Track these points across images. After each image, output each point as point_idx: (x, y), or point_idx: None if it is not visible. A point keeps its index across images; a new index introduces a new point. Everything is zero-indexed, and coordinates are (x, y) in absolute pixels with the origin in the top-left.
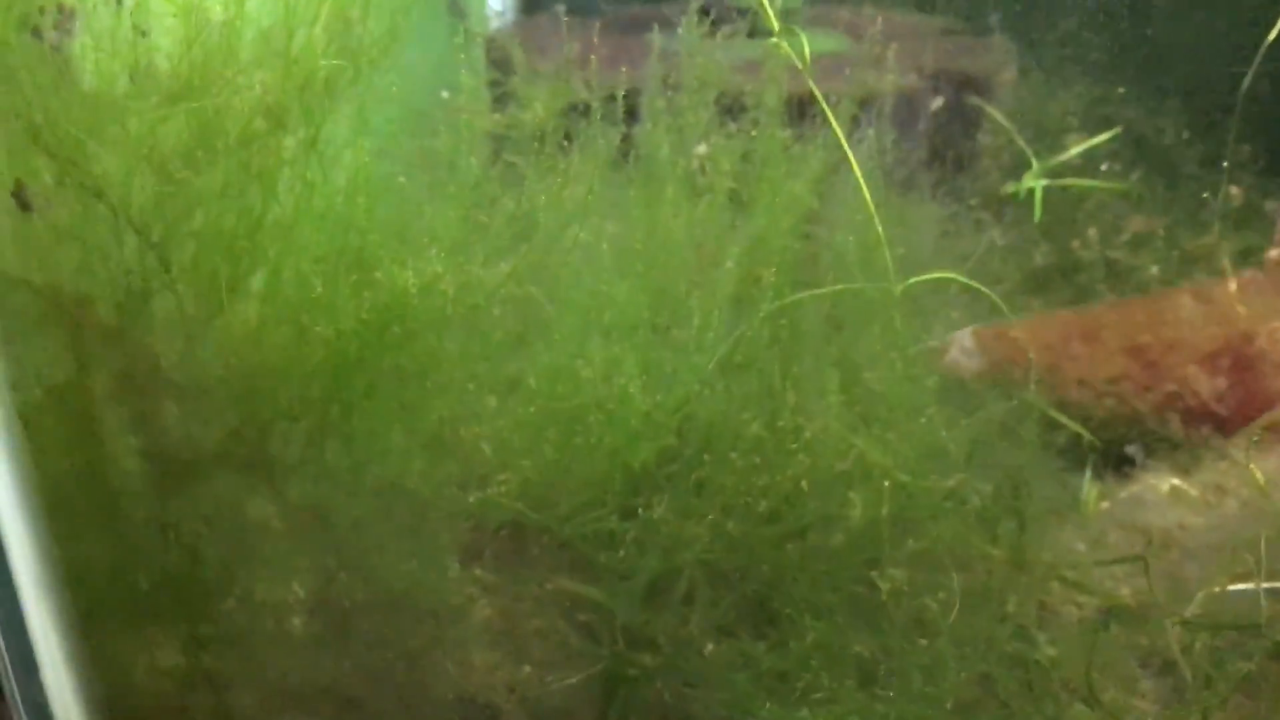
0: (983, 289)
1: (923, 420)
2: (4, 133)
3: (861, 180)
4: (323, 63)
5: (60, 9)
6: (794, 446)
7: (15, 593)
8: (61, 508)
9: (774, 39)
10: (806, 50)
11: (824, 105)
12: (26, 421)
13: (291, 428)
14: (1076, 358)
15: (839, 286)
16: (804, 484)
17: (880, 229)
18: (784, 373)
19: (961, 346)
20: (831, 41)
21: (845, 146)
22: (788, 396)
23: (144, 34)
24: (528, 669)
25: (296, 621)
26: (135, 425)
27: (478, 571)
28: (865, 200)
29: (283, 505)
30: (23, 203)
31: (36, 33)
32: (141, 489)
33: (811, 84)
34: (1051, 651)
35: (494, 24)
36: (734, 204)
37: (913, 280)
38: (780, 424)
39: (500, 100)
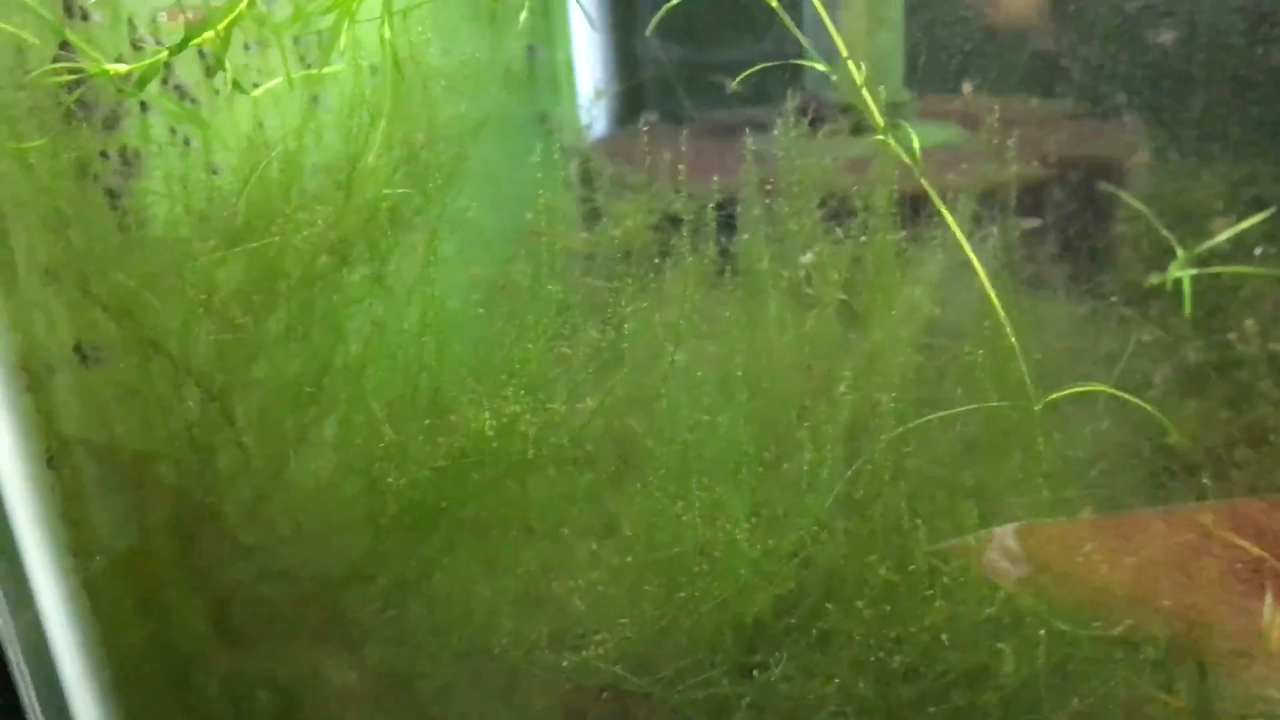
0: (1134, 399)
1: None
2: (58, 285)
3: (987, 283)
4: (386, 192)
5: (122, 152)
6: (930, 592)
7: None
8: (132, 680)
9: (879, 135)
10: (916, 144)
11: (939, 202)
12: (91, 590)
13: (367, 587)
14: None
15: (971, 406)
16: (944, 635)
17: (1013, 337)
18: (913, 508)
19: (1002, 547)
20: (944, 133)
21: (966, 246)
22: (919, 534)
23: (214, 173)
24: None
25: None
26: (202, 589)
27: None
28: (994, 305)
29: (360, 671)
30: (82, 357)
31: (95, 177)
32: (211, 657)
33: (924, 180)
34: None
35: (583, 136)
36: (845, 316)
37: (1055, 395)
38: (912, 567)
39: (590, 217)
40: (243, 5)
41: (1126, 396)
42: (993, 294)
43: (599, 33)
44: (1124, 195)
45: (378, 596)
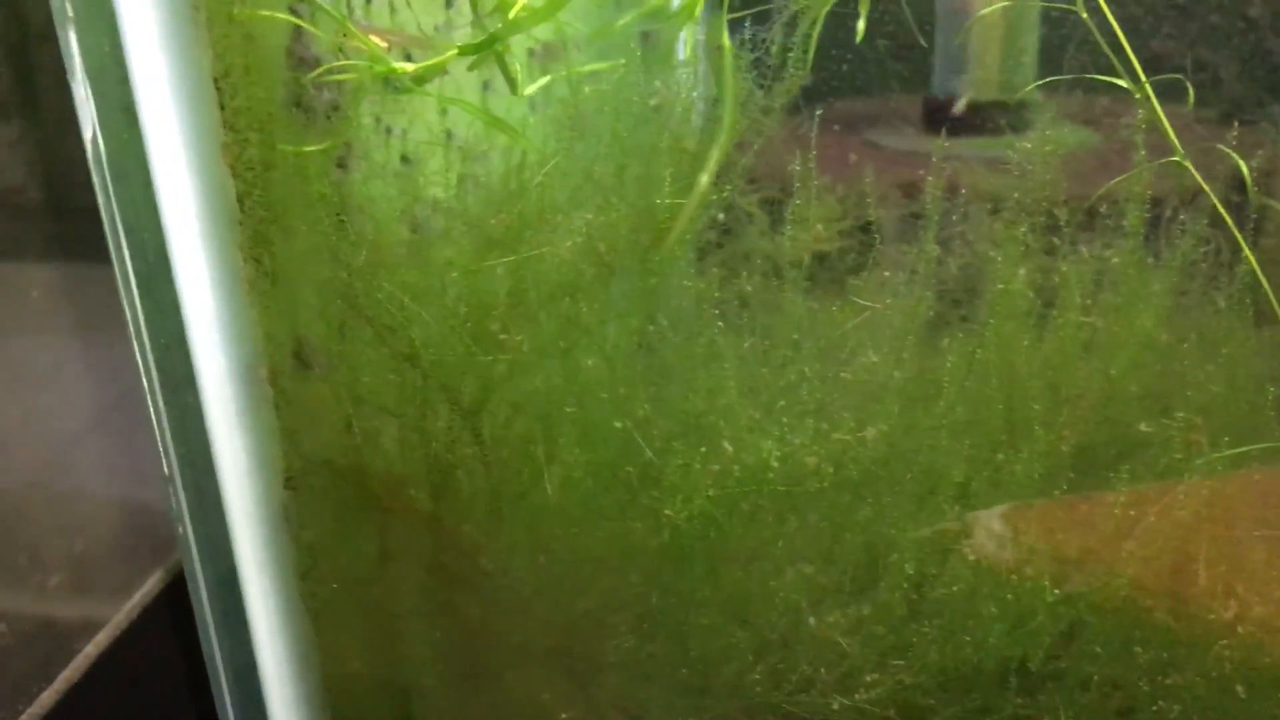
0: None
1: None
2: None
3: (1270, 293)
4: (657, 201)
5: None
6: (1219, 641)
7: None
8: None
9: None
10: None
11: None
12: (317, 617)
13: (614, 619)
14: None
15: (1256, 445)
16: (1239, 686)
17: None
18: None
19: (988, 530)
20: (1077, 135)
21: (1248, 252)
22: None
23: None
24: None
25: None
26: (440, 620)
27: None
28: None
29: (599, 712)
30: (321, 367)
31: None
32: (445, 694)
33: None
34: None
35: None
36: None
37: None
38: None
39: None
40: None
41: None
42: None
43: None
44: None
45: (625, 630)
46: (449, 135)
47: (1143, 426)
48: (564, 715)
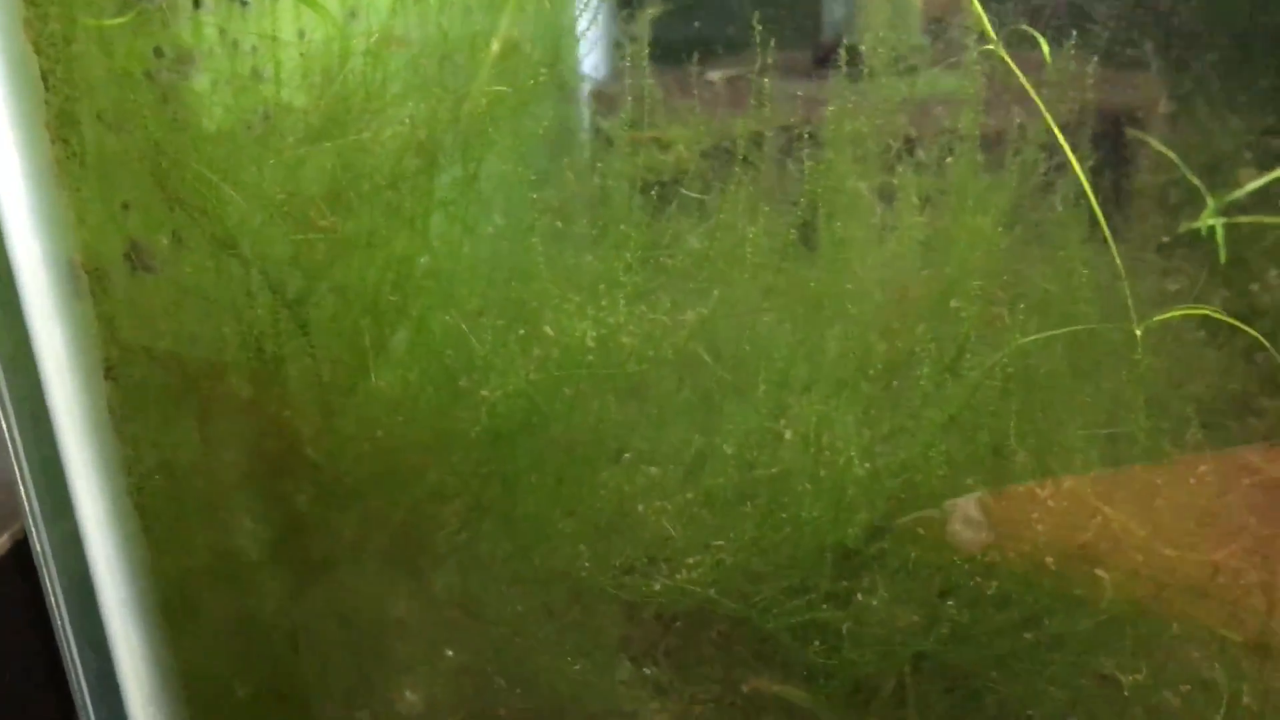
0: (1239, 324)
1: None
2: (128, 179)
3: (1095, 203)
4: (482, 90)
5: (179, 51)
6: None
7: (122, 700)
8: (177, 605)
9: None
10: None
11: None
12: (141, 507)
13: (441, 509)
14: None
15: (1074, 327)
16: (1049, 560)
17: (1118, 258)
18: (1016, 429)
19: (965, 517)
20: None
21: (1077, 168)
22: (1018, 456)
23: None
24: None
25: None
26: (265, 511)
27: (651, 669)
28: (1103, 228)
29: (430, 600)
30: (144, 259)
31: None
32: (271, 584)
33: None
34: None
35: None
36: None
37: (1160, 317)
38: (1011, 489)
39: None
40: None
41: (1234, 322)
42: (1100, 214)
43: None
44: (1152, 143)
45: (450, 519)
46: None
47: (952, 303)
48: (399, 606)
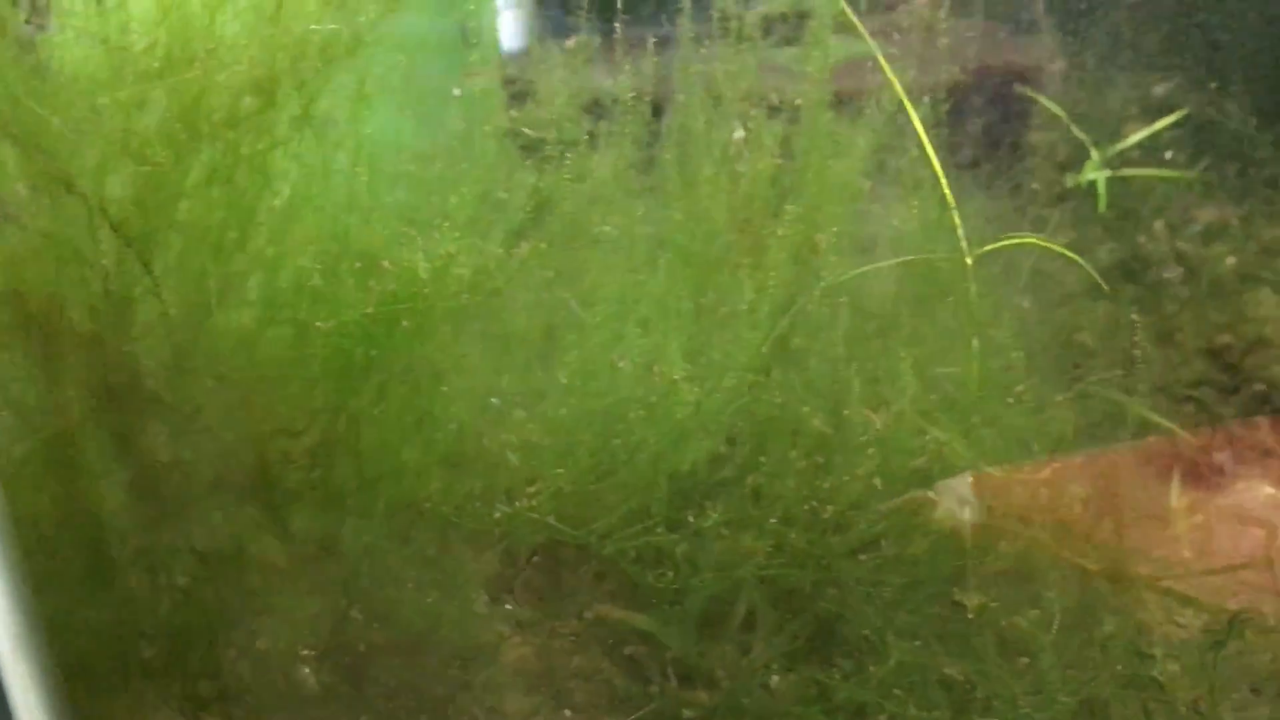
0: (1071, 255)
1: (1010, 402)
2: None
3: (925, 138)
4: (315, 28)
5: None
6: (863, 441)
7: None
8: (38, 548)
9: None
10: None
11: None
12: None
13: (293, 445)
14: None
15: (906, 258)
16: (877, 484)
17: (948, 192)
18: (849, 357)
19: (958, 496)
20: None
21: (911, 112)
22: (853, 384)
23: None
24: (568, 715)
25: (306, 671)
26: (117, 449)
27: (509, 605)
28: (934, 168)
29: (286, 536)
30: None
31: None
32: (127, 523)
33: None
34: (1164, 670)
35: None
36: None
37: (988, 248)
38: (847, 414)
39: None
40: None
41: (1055, 247)
42: (933, 156)
43: None
44: (1041, 100)
45: (304, 456)
46: None
47: (779, 232)
48: (256, 543)
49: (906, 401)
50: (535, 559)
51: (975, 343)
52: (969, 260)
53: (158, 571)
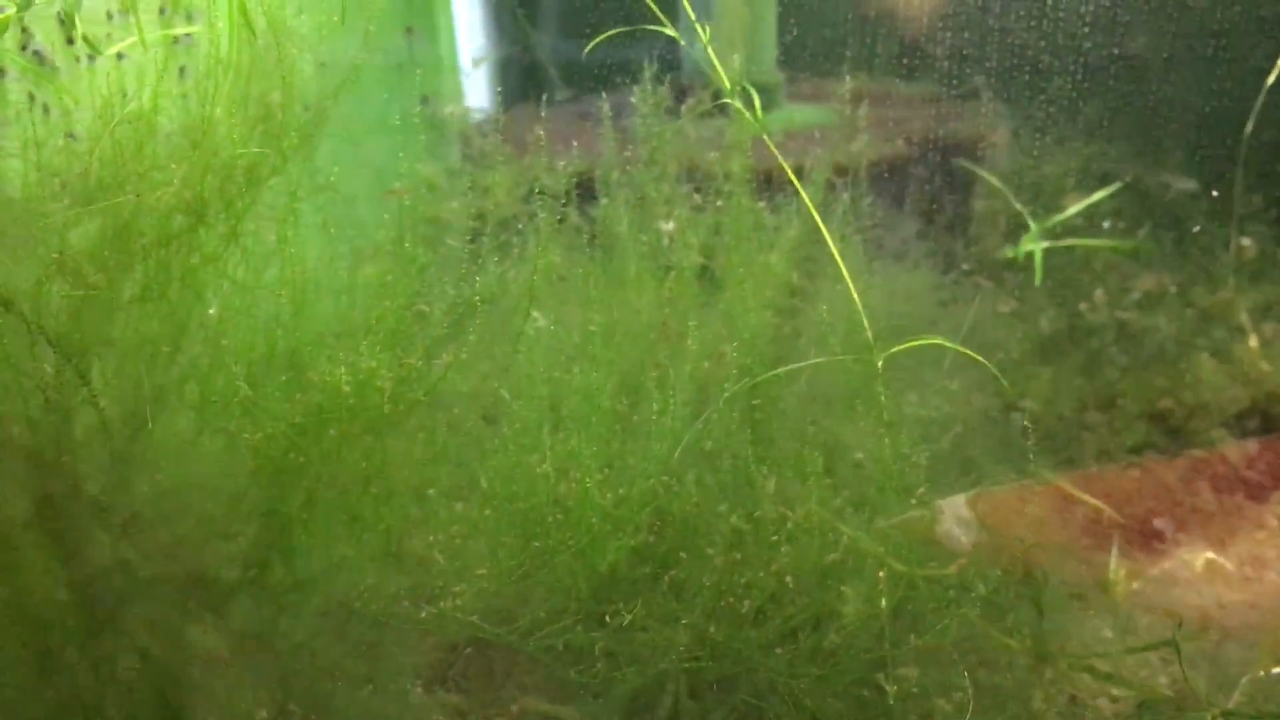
0: (971, 354)
1: (914, 501)
2: None
3: (834, 248)
4: (241, 151)
5: None
6: (776, 538)
7: None
8: None
9: (727, 99)
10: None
11: (793, 177)
12: None
13: (229, 547)
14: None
15: (814, 360)
16: (789, 579)
17: (857, 297)
18: (761, 457)
19: (955, 516)
20: (811, 114)
21: (815, 216)
22: (767, 483)
23: (73, 137)
24: None
25: None
26: (59, 553)
27: (441, 693)
28: (841, 270)
29: (224, 632)
30: None
31: None
32: (70, 622)
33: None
34: None
35: (474, 116)
36: (705, 281)
37: (895, 349)
38: (760, 514)
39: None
40: None
41: (959, 348)
42: (839, 259)
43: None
44: (981, 173)
45: (239, 556)
46: (45, 109)
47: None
48: (195, 639)
49: (815, 501)
50: (467, 650)
51: (885, 441)
52: (879, 363)
53: (100, 667)
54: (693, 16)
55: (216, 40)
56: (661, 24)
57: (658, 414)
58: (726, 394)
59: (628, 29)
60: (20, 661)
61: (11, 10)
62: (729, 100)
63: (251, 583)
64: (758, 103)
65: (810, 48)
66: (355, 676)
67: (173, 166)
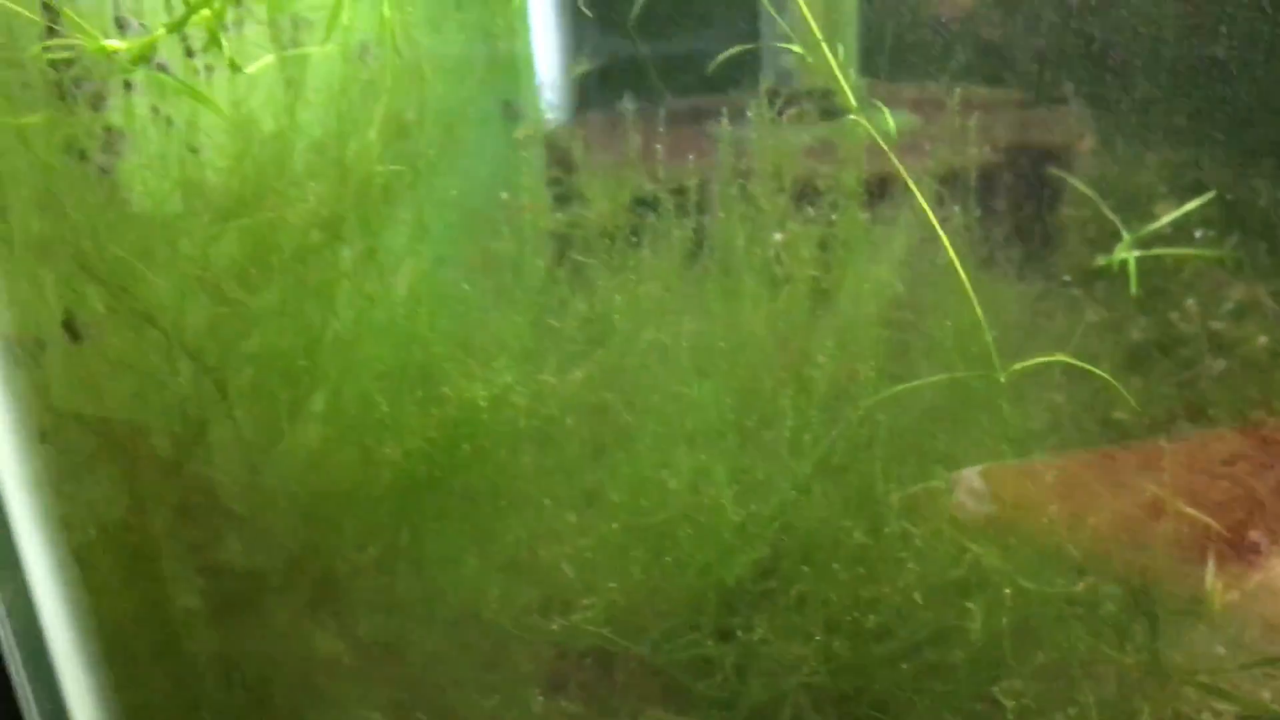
0: (1096, 370)
1: (1043, 520)
2: (53, 260)
3: (955, 258)
4: (379, 169)
5: (108, 131)
6: (903, 554)
7: None
8: (120, 651)
9: (852, 117)
10: (892, 126)
11: (910, 181)
12: (81, 562)
13: (359, 557)
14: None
15: (940, 376)
16: (916, 595)
17: (979, 311)
18: (886, 473)
19: (970, 488)
20: (901, 119)
21: (936, 226)
22: (892, 499)
23: (195, 151)
24: None
25: None
26: (195, 561)
27: (563, 703)
28: (962, 281)
29: (352, 640)
30: (73, 332)
31: (83, 155)
32: (203, 628)
33: (895, 162)
34: None
35: (550, 122)
36: (816, 293)
37: (1019, 366)
38: (886, 530)
39: (562, 199)
40: None
41: (1086, 366)
42: (962, 271)
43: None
44: (1072, 180)
45: (369, 566)
46: (169, 121)
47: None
48: (324, 646)
49: (943, 516)
50: (587, 659)
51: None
52: (1002, 379)
53: (231, 672)
54: (807, 14)
55: (352, 59)
56: (757, 26)
57: (791, 429)
58: (860, 410)
59: (729, 32)
60: (155, 666)
61: (162, 31)
62: (842, 107)
63: (380, 592)
64: (888, 116)
65: (891, 51)
66: (481, 685)
67: (310, 183)
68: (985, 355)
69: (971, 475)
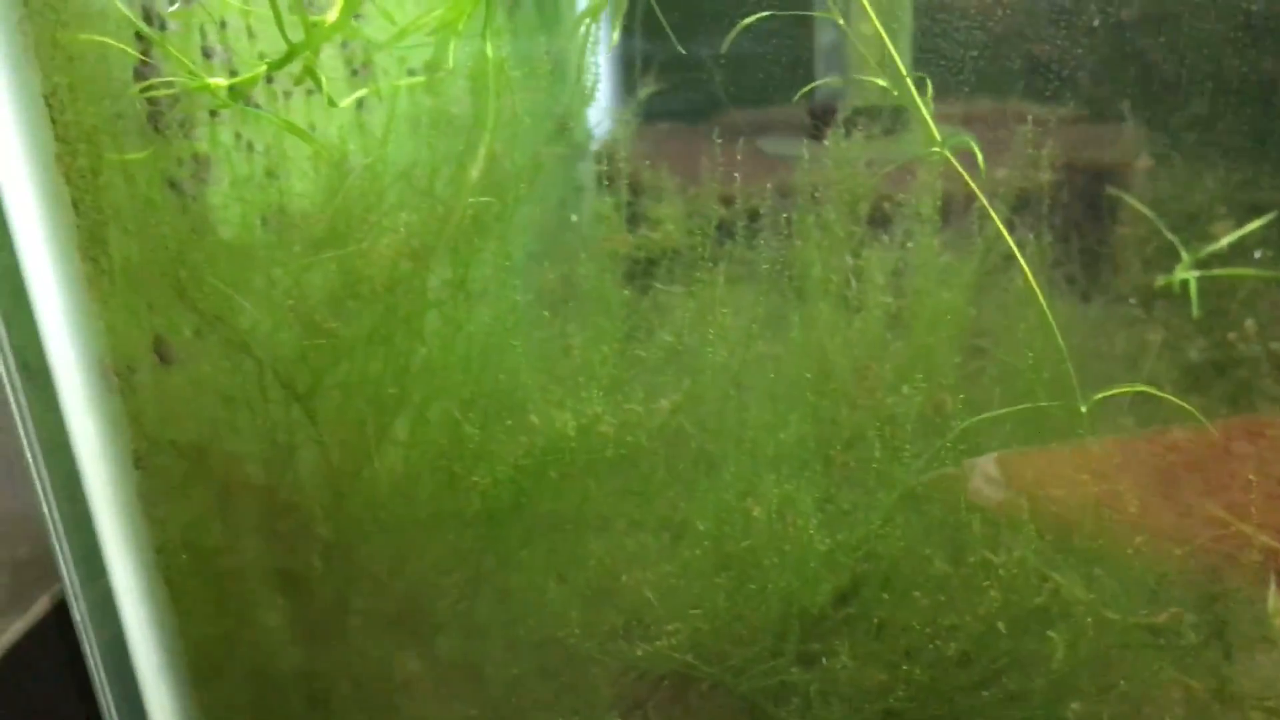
0: (1176, 399)
1: (1129, 551)
2: (148, 288)
3: (1035, 285)
4: (470, 200)
5: (195, 158)
6: (985, 583)
7: None
8: (208, 675)
9: (935, 148)
10: (980, 155)
11: (989, 208)
12: (172, 585)
13: (443, 580)
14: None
15: (1023, 405)
16: (999, 624)
17: (1061, 340)
18: (967, 504)
19: (985, 475)
20: (960, 138)
21: (1015, 250)
22: (973, 528)
23: (275, 177)
24: None
25: None
26: (283, 585)
27: None
28: (1042, 309)
29: (433, 662)
30: (164, 357)
31: (174, 185)
32: (287, 649)
33: (973, 185)
34: None
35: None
36: (891, 318)
37: (1102, 395)
38: (970, 559)
39: (634, 222)
40: (340, 19)
41: (1170, 398)
42: (1041, 297)
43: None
44: (1129, 200)
45: (453, 590)
46: (249, 144)
47: (905, 390)
48: (407, 669)
49: (1027, 547)
50: (664, 682)
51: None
52: (1083, 409)
53: (316, 693)
54: (883, 34)
55: (447, 92)
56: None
57: (879, 460)
58: (944, 442)
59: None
60: (243, 689)
61: (263, 68)
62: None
63: (464, 615)
64: (977, 149)
65: (944, 66)
66: (560, 708)
67: (401, 215)
68: (1064, 382)
69: (987, 462)
